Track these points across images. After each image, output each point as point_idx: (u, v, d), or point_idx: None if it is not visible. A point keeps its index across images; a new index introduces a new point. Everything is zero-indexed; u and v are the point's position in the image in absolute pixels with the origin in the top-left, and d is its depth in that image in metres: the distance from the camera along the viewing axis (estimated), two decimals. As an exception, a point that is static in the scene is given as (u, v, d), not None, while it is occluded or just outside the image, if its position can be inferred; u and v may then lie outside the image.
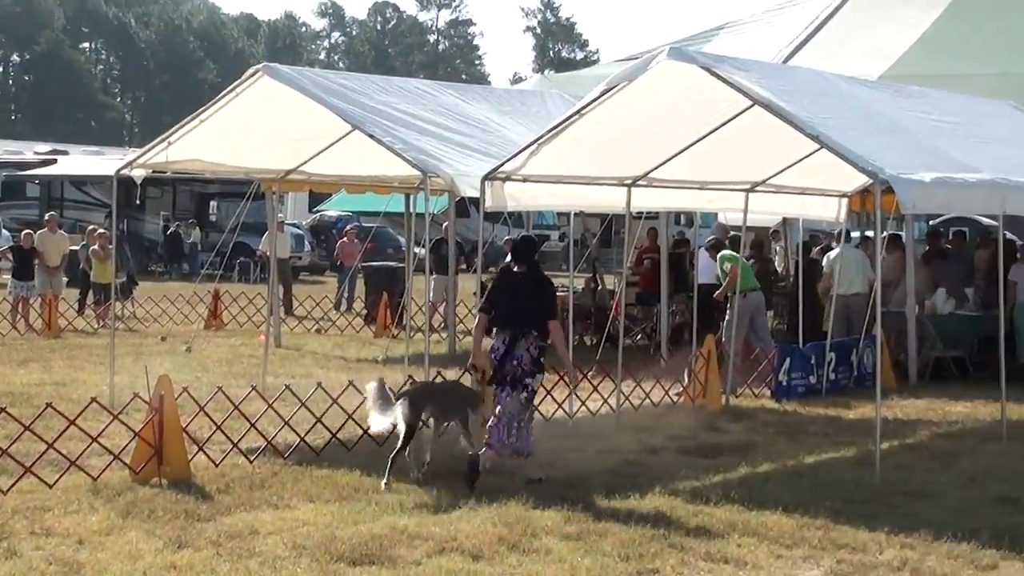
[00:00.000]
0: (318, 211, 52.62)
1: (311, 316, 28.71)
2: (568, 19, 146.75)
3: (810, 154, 15.44)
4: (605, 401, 16.35)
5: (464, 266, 33.96)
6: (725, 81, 12.93)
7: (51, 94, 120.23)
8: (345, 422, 13.89)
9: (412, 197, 22.33)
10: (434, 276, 24.32)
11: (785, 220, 26.93)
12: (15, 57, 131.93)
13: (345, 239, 33.54)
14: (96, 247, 27.81)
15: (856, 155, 12.50)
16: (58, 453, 11.95)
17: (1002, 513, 11.44)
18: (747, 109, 13.96)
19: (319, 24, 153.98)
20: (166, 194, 45.98)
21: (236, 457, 12.91)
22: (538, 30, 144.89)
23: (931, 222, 29.69)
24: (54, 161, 49.98)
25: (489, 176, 14.47)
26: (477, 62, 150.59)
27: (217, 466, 12.55)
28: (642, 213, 20.32)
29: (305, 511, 11.07)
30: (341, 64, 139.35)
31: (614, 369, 16.38)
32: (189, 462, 12.27)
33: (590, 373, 16.49)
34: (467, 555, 9.79)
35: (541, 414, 14.69)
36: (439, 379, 14.49)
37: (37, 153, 53.41)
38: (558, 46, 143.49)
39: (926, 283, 21.11)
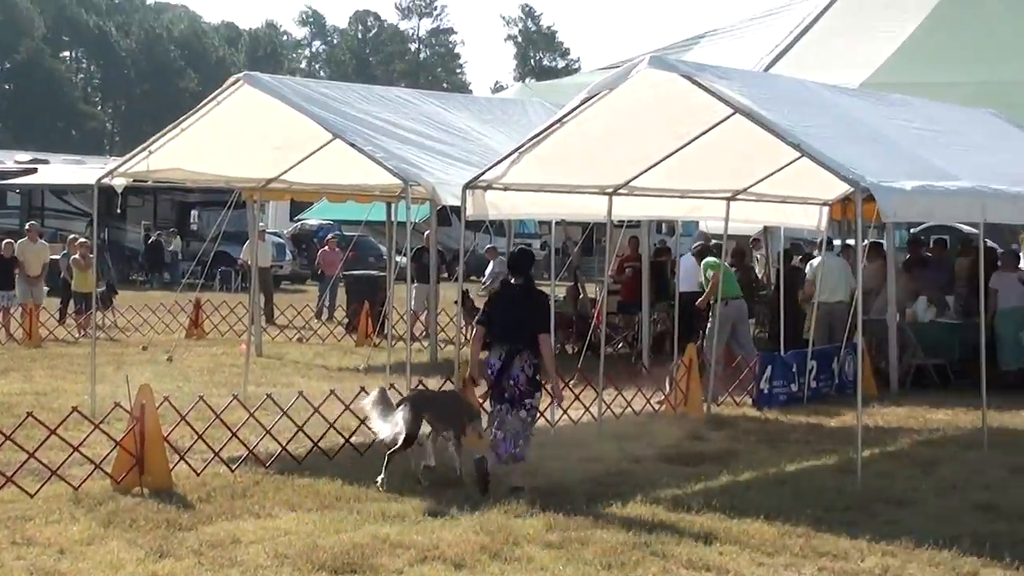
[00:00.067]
0: (299, 220, 52.62)
1: (292, 325, 28.66)
2: (549, 28, 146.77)
3: (791, 162, 15.47)
4: (587, 410, 16.35)
5: (446, 275, 33.89)
6: (706, 89, 12.94)
7: (32, 103, 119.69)
8: (327, 431, 13.87)
9: (393, 206, 22.31)
10: (415, 285, 24.28)
11: (766, 228, 27.00)
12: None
13: (326, 248, 33.45)
14: (77, 256, 27.71)
15: (837, 163, 12.52)
16: (39, 463, 11.92)
17: (983, 520, 11.48)
18: (728, 117, 13.97)
19: (300, 33, 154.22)
20: (147, 203, 45.77)
21: (218, 466, 12.89)
22: (519, 38, 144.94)
23: (912, 230, 29.78)
24: (35, 170, 49.70)
25: (470, 185, 14.47)
26: (458, 71, 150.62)
27: (199, 475, 12.52)
28: (623, 221, 20.32)
29: (287, 520, 11.05)
30: (322, 73, 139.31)
31: (596, 378, 16.41)
32: (170, 471, 12.24)
33: (572, 382, 16.48)
34: (449, 563, 9.78)
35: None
36: (435, 388, 14.52)
37: (18, 162, 53.10)
38: (539, 54, 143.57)
39: (907, 291, 21.13)
